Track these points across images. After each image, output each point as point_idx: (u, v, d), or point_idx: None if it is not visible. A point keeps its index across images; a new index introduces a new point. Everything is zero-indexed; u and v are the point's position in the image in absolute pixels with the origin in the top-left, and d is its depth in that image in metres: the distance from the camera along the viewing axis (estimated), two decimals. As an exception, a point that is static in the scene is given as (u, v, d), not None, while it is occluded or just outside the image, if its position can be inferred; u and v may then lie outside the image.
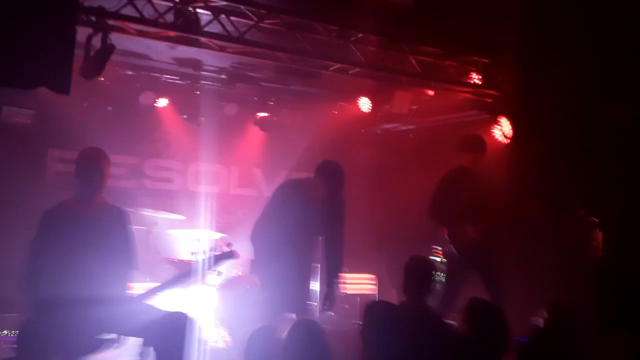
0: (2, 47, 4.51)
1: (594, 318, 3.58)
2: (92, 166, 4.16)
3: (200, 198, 7.80)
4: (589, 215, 6.39)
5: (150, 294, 4.11)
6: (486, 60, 7.30)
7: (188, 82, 8.21)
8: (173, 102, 8.32)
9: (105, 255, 4.06)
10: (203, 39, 6.12)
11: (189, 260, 6.26)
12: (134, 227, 4.50)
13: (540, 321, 3.74)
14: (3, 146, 6.96)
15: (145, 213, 7.26)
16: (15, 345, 3.83)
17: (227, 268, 6.42)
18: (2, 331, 5.57)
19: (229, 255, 4.42)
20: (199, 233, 7.05)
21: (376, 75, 7.26)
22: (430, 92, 7.85)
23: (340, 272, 5.54)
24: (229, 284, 6.67)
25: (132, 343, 4.02)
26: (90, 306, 3.84)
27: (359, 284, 8.15)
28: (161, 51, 7.08)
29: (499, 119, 7.27)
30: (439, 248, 7.51)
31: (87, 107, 7.64)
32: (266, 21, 6.21)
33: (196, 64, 7.76)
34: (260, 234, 5.34)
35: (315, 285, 6.87)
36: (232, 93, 8.39)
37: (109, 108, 8.01)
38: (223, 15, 6.06)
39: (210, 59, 7.48)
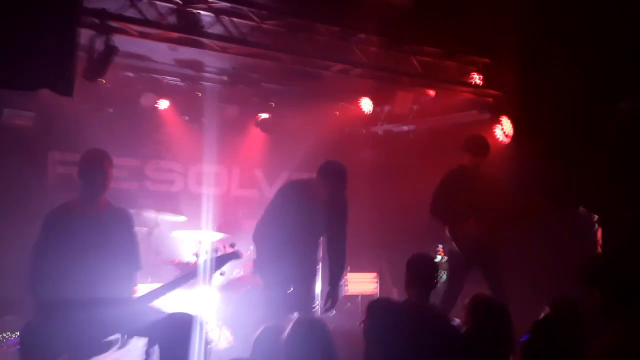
0: (4, 49, 4.53)
1: (592, 315, 3.60)
2: (95, 168, 4.15)
3: (202, 199, 7.82)
4: (589, 214, 6.41)
5: (155, 295, 4.12)
6: (487, 60, 7.33)
7: (189, 83, 8.23)
8: (174, 103, 8.31)
9: (111, 256, 4.06)
10: (205, 40, 6.15)
11: (190, 262, 6.34)
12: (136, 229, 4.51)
13: (542, 316, 3.74)
14: (4, 148, 6.97)
15: (146, 214, 7.27)
16: (18, 347, 3.83)
17: (229, 268, 6.42)
18: (5, 333, 5.56)
19: (234, 255, 4.42)
20: (201, 234, 7.06)
21: (377, 76, 7.27)
22: (432, 92, 7.87)
23: (343, 272, 5.55)
24: (231, 284, 6.69)
25: (137, 343, 4.02)
26: (95, 307, 3.84)
27: (360, 283, 8.17)
28: (162, 53, 7.09)
29: (500, 119, 7.29)
30: (441, 246, 7.54)
31: (88, 109, 7.62)
32: (268, 22, 6.23)
33: (197, 66, 7.78)
34: (263, 234, 5.34)
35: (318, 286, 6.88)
36: (233, 94, 8.40)
37: (110, 110, 8.00)
38: (225, 17, 6.09)
39: (212, 60, 7.51)
